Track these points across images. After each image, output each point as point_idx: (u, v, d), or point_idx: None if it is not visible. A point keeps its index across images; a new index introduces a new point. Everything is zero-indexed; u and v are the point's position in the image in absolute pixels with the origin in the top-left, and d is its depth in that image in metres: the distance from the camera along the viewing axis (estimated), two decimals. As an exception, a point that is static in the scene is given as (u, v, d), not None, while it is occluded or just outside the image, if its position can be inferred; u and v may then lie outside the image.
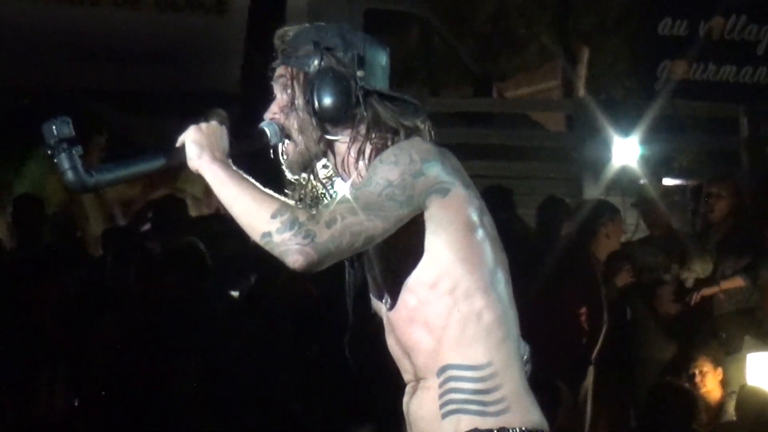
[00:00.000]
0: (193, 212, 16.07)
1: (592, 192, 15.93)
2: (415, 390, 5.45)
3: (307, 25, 5.53)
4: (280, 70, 5.45)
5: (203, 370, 11.88)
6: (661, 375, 13.33)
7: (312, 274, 5.22)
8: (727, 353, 13.51)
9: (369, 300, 6.81)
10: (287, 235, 5.05)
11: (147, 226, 15.30)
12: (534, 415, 5.28)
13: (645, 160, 15.67)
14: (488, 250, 5.28)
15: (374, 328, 6.14)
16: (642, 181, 15.91)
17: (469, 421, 5.22)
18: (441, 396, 5.29)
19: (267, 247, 5.10)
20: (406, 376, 5.48)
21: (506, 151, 18.95)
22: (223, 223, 14.26)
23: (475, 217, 5.27)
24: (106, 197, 17.25)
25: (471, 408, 5.25)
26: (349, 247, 5.09)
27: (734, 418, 12.49)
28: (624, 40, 17.17)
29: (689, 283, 14.31)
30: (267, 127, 5.40)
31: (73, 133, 5.23)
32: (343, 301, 12.39)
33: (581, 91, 16.91)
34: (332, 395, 12.01)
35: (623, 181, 15.50)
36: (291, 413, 11.93)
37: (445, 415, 5.27)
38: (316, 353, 12.38)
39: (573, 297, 12.50)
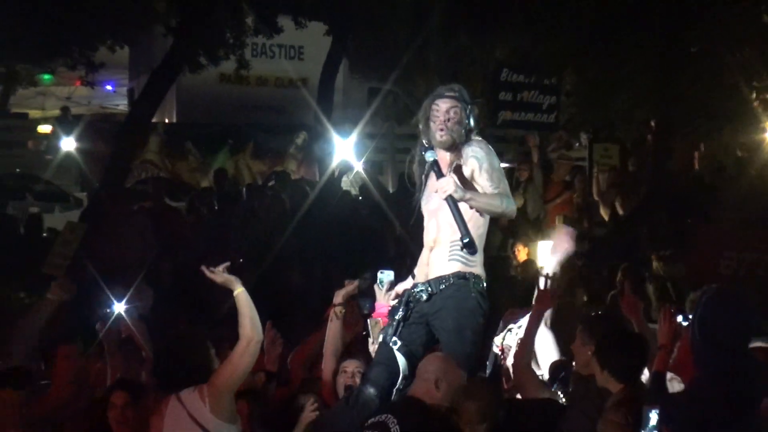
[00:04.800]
0: (293, 177, 16.15)
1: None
2: (432, 248, 5.25)
3: (459, 86, 5.25)
4: (454, 102, 5.13)
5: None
6: (498, 251, 13.10)
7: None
8: (529, 240, 12.99)
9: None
10: (509, 208, 5.04)
11: (271, 182, 15.24)
12: (484, 273, 5.20)
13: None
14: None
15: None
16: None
17: (459, 266, 5.14)
18: (450, 251, 5.15)
19: (504, 215, 5.17)
20: (428, 243, 5.28)
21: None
22: (305, 182, 15.23)
23: None
24: (252, 170, 17.49)
25: (460, 258, 5.15)
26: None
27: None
28: (484, 102, 15.54)
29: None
30: (431, 155, 5.15)
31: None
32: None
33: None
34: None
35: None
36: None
37: (449, 262, 5.15)
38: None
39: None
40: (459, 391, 4.77)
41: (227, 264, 5.00)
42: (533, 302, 5.46)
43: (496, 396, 4.87)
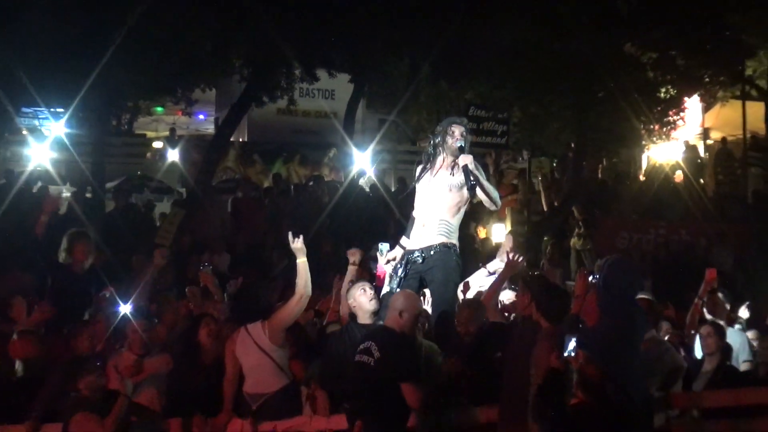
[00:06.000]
0: (326, 179, 15.54)
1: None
2: (424, 224, 5.20)
3: (464, 118, 5.54)
4: (463, 128, 5.23)
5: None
6: (465, 231, 13.20)
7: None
8: (486, 223, 12.89)
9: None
10: (498, 199, 5.16)
11: (311, 183, 14.80)
12: (458, 243, 5.21)
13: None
14: None
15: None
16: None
17: (444, 239, 5.16)
18: (438, 227, 5.17)
19: (495, 201, 5.12)
20: (421, 220, 5.21)
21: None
22: (334, 183, 14.83)
23: None
24: (299, 174, 16.90)
25: (445, 233, 5.16)
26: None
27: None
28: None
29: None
30: (464, 144, 5.17)
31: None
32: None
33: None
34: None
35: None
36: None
37: (438, 235, 5.13)
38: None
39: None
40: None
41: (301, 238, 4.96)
42: (504, 267, 5.30)
43: (482, 309, 5.00)
